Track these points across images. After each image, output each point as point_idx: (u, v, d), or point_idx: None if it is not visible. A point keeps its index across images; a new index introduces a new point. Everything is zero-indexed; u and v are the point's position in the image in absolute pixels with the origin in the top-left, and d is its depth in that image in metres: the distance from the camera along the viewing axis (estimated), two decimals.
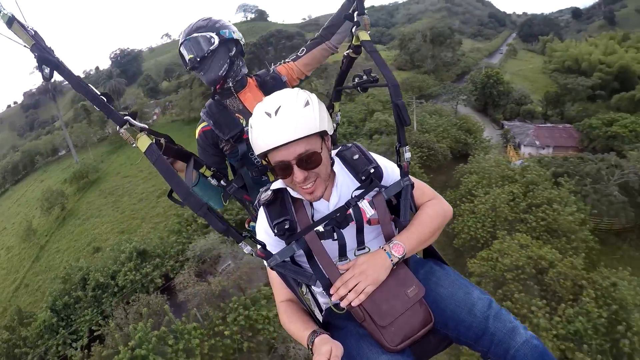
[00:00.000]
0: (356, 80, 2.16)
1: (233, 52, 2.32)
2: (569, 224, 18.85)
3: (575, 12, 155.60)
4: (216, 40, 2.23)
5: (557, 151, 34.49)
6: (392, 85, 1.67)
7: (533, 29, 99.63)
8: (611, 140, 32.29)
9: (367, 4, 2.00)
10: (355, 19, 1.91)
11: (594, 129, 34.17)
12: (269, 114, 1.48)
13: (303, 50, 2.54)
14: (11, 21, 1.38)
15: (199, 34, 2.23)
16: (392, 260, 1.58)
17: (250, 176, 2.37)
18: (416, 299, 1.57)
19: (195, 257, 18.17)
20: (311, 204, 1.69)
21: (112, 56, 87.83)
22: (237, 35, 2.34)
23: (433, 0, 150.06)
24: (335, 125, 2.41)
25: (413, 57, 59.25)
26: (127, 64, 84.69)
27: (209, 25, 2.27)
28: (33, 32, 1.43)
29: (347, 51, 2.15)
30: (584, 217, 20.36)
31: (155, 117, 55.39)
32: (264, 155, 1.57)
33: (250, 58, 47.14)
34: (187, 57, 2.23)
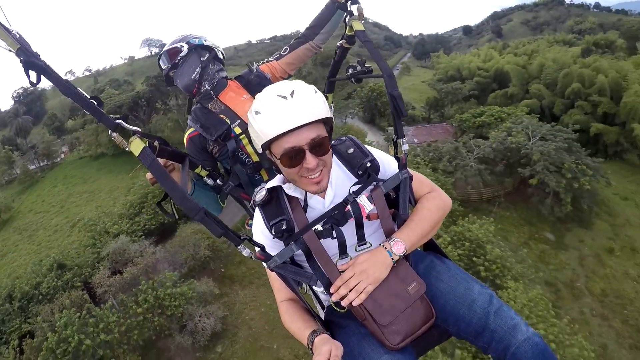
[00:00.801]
0: (350, 71, 2.14)
1: (205, 57, 2.38)
2: None
3: (466, 29, 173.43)
4: (185, 47, 2.33)
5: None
6: (387, 75, 1.68)
7: (425, 47, 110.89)
8: (480, 128, 38.27)
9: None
10: (349, 8, 1.90)
11: (464, 121, 40.33)
12: (284, 97, 1.42)
13: (286, 49, 2.52)
14: None
15: (170, 46, 2.35)
16: (392, 259, 1.56)
17: (246, 173, 2.36)
18: (417, 296, 1.56)
19: (109, 256, 20.54)
20: (306, 202, 1.64)
21: (14, 95, 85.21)
22: (210, 42, 2.42)
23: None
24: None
25: (306, 80, 63.50)
26: (30, 103, 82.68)
27: (181, 38, 2.40)
28: (18, 36, 1.38)
29: (341, 41, 2.09)
30: (449, 188, 25.37)
31: (62, 155, 55.33)
32: (269, 144, 1.48)
33: (151, 90, 49.51)
34: (163, 68, 2.35)
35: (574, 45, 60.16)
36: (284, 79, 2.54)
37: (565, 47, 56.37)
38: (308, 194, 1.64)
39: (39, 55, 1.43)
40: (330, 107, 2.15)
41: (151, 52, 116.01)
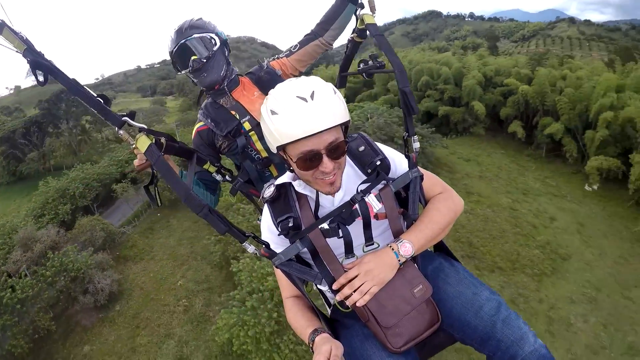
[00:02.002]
0: (361, 65, 2.08)
1: (227, 54, 2.36)
2: None
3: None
4: (217, 41, 2.26)
5: None
6: (399, 71, 1.64)
7: (311, 65, 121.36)
8: None
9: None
10: (360, 1, 1.88)
11: None
12: (303, 98, 1.35)
13: (296, 46, 2.47)
14: (1, 27, 1.37)
15: (201, 35, 2.21)
16: (399, 260, 1.53)
17: (255, 169, 2.35)
18: (423, 299, 1.54)
19: (19, 242, 24.55)
20: (318, 201, 1.61)
21: None
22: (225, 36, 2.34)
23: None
24: None
25: (192, 100, 70.35)
26: None
27: (206, 25, 2.27)
28: (25, 38, 1.40)
29: (352, 35, 2.06)
30: None
31: None
32: (283, 146, 1.43)
33: (44, 114, 51.78)
34: (190, 58, 2.20)
35: (446, 50, 69.31)
36: (294, 76, 2.46)
37: (435, 52, 64.71)
38: (319, 192, 1.58)
39: (44, 55, 1.44)
40: None
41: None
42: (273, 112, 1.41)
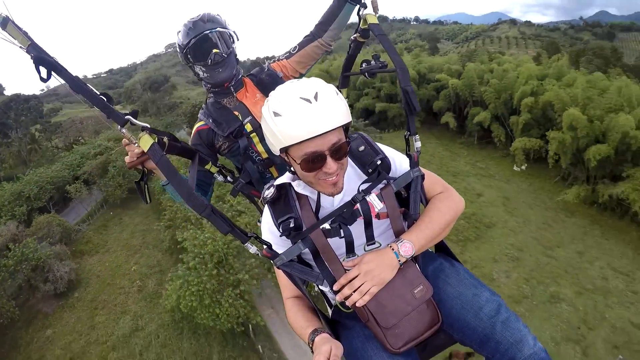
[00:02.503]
0: (364, 65, 2.05)
1: (237, 54, 2.33)
2: None
3: None
4: (236, 39, 2.27)
5: None
6: (401, 70, 1.64)
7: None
8: None
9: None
10: (363, 1, 1.86)
11: None
12: (307, 100, 1.35)
13: (296, 47, 2.46)
14: (5, 22, 1.38)
15: (224, 30, 2.21)
16: (399, 260, 1.52)
17: (257, 170, 2.36)
18: (423, 300, 1.53)
19: None
20: (319, 201, 1.61)
21: None
22: None
23: (168, 57, 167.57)
24: None
25: (139, 107, 72.92)
26: None
27: (222, 21, 2.25)
28: (28, 34, 1.42)
29: (354, 35, 2.03)
30: None
31: None
32: (286, 148, 1.42)
33: None
34: (211, 50, 2.17)
35: None
36: (295, 78, 2.44)
37: None
38: (320, 192, 1.58)
39: (48, 52, 1.45)
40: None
41: None
42: (276, 114, 1.38)
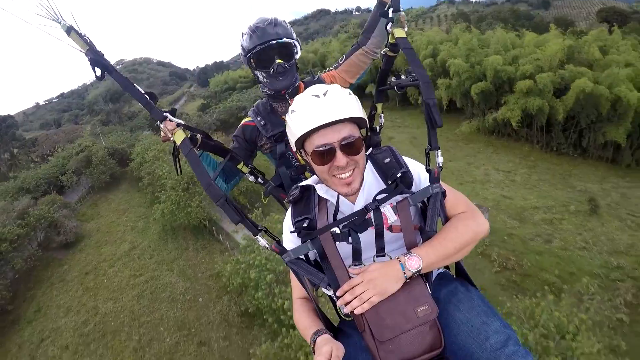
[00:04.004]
0: (393, 79, 2.05)
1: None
2: None
3: None
4: (299, 48, 2.29)
5: None
6: (424, 82, 1.63)
7: (207, 75, 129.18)
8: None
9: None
10: (390, 16, 1.90)
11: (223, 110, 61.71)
12: (317, 96, 1.50)
13: (342, 57, 2.52)
14: (69, 30, 1.64)
15: (290, 40, 2.23)
16: (404, 273, 1.48)
17: (289, 176, 2.37)
18: (425, 320, 1.46)
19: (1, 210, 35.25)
20: (338, 206, 1.64)
21: None
22: None
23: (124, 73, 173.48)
24: (379, 127, 2.37)
25: (102, 118, 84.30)
26: None
27: (288, 29, 2.26)
28: (88, 40, 1.67)
29: (384, 49, 2.05)
30: None
31: None
32: (302, 142, 1.55)
33: None
34: (275, 60, 2.21)
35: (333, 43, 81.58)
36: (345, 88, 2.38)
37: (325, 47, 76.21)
38: (340, 198, 1.63)
39: (104, 55, 1.68)
40: (380, 117, 2.34)
41: None
42: (292, 111, 1.55)
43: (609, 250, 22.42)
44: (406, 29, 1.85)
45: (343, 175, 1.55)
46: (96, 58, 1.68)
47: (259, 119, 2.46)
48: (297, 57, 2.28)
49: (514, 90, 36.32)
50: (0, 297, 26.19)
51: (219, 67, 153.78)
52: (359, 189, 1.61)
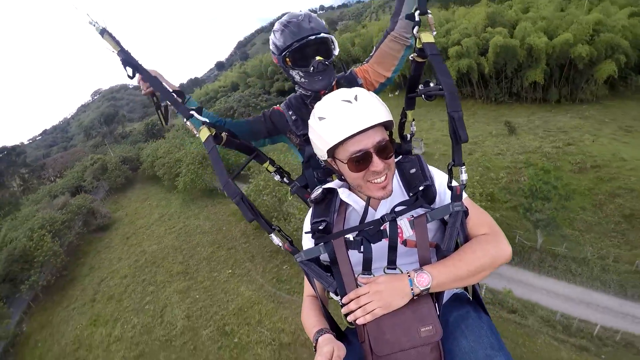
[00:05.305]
0: (421, 87, 1.91)
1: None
2: None
3: (219, 65, 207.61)
4: (337, 46, 2.15)
5: None
6: (449, 93, 1.52)
7: (185, 92, 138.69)
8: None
9: None
10: (417, 18, 1.75)
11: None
12: (348, 101, 1.44)
13: (374, 49, 2.34)
14: (103, 32, 1.75)
15: (328, 36, 2.10)
16: (412, 290, 1.42)
17: (315, 177, 2.27)
18: (427, 341, 1.40)
19: (43, 206, 43.04)
20: (366, 211, 1.60)
21: None
22: None
23: (97, 104, 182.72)
24: (409, 135, 2.23)
25: (99, 140, 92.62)
26: None
27: (323, 24, 2.13)
28: (119, 41, 1.78)
29: (412, 55, 1.92)
30: None
31: None
32: (333, 150, 1.48)
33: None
34: (315, 57, 2.08)
35: None
36: (380, 83, 2.37)
37: None
38: (370, 198, 1.58)
39: (133, 56, 1.82)
40: (411, 124, 2.21)
41: None
42: (321, 118, 1.47)
43: (519, 152, 30.85)
44: (434, 32, 1.70)
45: (378, 180, 1.49)
46: (127, 58, 1.79)
47: (290, 112, 2.33)
48: (335, 53, 2.12)
49: (448, 57, 44.20)
50: (59, 262, 33.13)
51: (195, 83, 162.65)
52: (392, 192, 1.55)
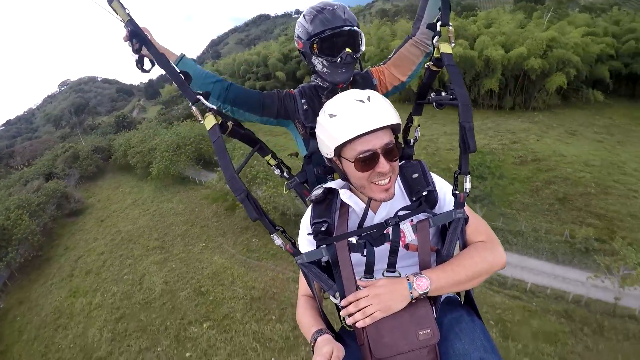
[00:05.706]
0: (433, 95, 1.94)
1: None
2: None
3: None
4: (364, 41, 2.13)
5: None
6: (462, 104, 1.58)
7: (155, 88, 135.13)
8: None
9: None
10: (438, 29, 1.80)
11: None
12: (361, 100, 1.45)
13: (393, 51, 2.38)
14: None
15: (359, 30, 2.08)
16: (411, 293, 1.46)
17: (315, 174, 2.28)
18: (425, 344, 1.44)
19: (20, 190, 44.18)
20: (366, 214, 1.63)
21: None
22: None
23: (65, 95, 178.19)
24: (413, 140, 2.31)
25: (68, 129, 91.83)
26: None
27: (356, 19, 2.10)
28: (128, 11, 1.60)
29: (428, 63, 1.99)
30: None
31: None
32: (340, 148, 1.49)
33: None
34: (345, 49, 2.06)
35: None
36: (394, 86, 2.40)
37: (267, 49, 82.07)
38: (371, 200, 1.60)
39: (142, 29, 1.67)
40: (416, 130, 2.25)
41: None
42: (332, 115, 1.47)
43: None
44: (453, 44, 1.75)
45: (383, 182, 1.50)
46: (136, 30, 1.65)
47: (302, 101, 2.28)
48: (362, 49, 2.11)
49: None
50: (36, 241, 34.35)
51: (165, 79, 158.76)
52: (394, 194, 1.56)
